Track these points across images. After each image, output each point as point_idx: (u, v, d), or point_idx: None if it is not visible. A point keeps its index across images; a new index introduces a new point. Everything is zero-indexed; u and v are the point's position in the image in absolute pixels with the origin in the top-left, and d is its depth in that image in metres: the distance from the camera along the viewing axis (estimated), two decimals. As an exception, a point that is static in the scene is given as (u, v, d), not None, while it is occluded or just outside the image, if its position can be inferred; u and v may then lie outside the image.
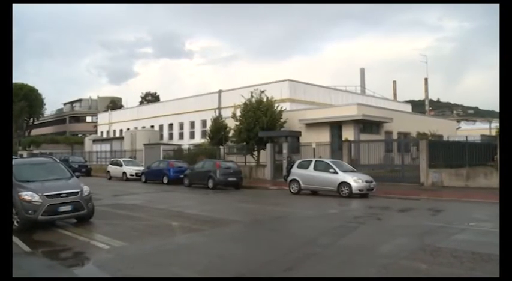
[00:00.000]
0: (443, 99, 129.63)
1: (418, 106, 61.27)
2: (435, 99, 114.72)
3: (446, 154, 18.60)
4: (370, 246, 7.15)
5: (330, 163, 15.87)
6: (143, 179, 24.29)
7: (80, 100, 76.23)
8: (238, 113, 25.46)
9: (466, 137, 18.39)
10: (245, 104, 25.10)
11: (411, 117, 31.40)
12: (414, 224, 9.31)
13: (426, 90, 60.85)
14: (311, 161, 16.72)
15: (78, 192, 9.05)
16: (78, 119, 72.44)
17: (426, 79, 61.02)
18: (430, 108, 63.27)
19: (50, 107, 78.70)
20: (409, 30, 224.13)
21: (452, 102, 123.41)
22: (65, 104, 79.00)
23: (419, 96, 76.80)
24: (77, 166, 29.26)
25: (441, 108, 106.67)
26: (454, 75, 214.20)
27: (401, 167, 19.77)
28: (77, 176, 10.24)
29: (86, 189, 9.30)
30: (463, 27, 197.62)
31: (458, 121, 53.37)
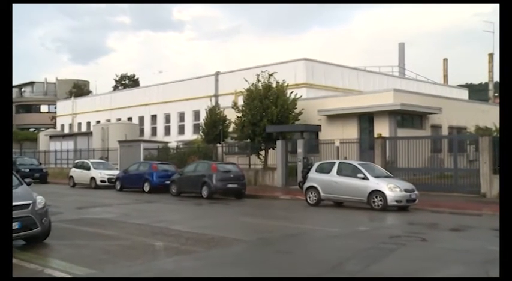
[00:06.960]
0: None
1: (477, 92, 60.55)
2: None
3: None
4: (412, 275, 7.09)
5: (359, 166, 15.87)
6: (118, 187, 24.45)
7: (31, 83, 75.85)
8: (240, 102, 25.46)
9: None
10: (249, 90, 25.10)
11: (468, 106, 31.18)
12: (473, 249, 9.22)
13: (490, 70, 59.37)
14: (334, 163, 16.76)
15: (28, 204, 8.97)
16: (29, 108, 72.27)
17: (491, 55, 58.89)
18: (496, 94, 61.85)
19: (-12, 92, 78.76)
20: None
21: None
22: (10, 88, 79.37)
23: (480, 78, 75.84)
24: (27, 170, 29.43)
25: None
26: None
27: (453, 172, 19.64)
28: (28, 184, 10.21)
29: (40, 200, 9.25)
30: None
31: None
